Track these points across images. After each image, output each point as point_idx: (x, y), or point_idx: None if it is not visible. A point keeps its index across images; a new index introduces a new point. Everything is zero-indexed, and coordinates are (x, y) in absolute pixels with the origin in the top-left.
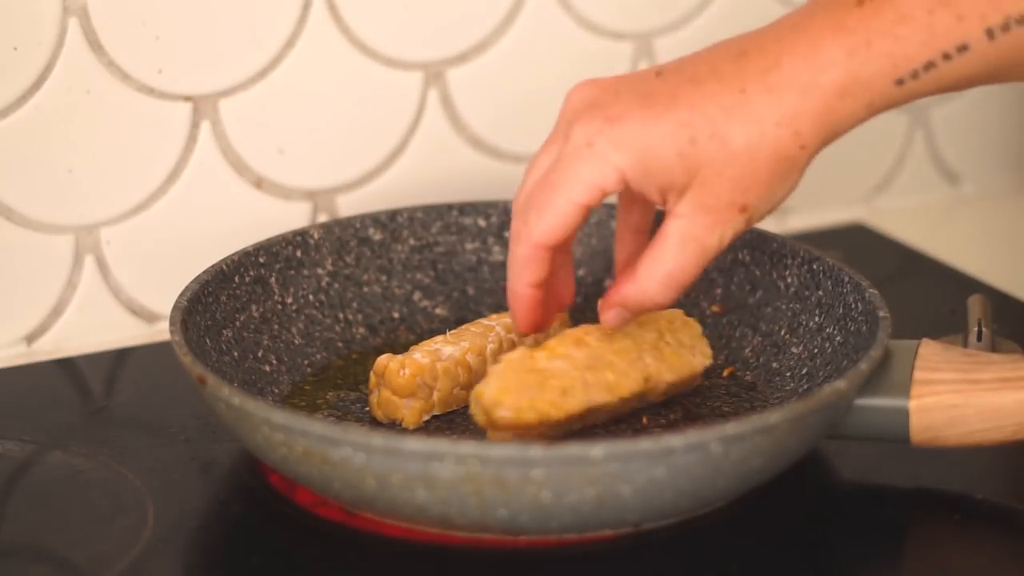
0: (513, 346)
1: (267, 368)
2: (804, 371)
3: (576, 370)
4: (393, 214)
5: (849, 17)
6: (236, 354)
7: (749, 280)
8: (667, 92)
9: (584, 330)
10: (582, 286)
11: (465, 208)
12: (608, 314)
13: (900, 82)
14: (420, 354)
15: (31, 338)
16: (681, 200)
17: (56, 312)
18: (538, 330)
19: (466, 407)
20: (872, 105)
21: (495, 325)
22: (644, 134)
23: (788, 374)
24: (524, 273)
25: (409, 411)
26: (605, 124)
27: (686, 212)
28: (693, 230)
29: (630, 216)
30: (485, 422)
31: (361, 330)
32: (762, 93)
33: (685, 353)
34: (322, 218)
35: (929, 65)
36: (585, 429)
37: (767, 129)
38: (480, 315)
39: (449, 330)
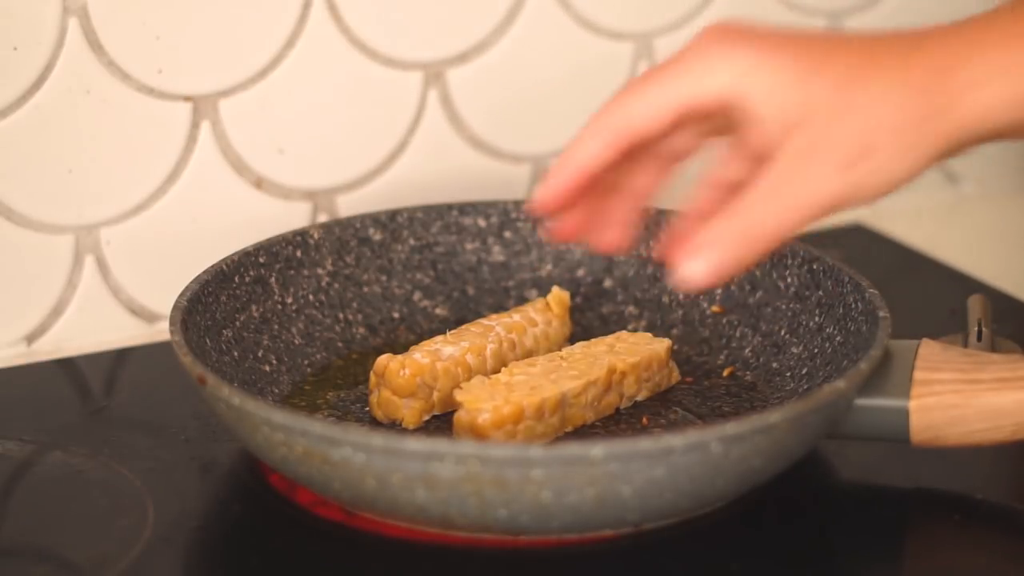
0: (513, 346)
1: (267, 368)
2: (804, 371)
3: (539, 376)
4: (393, 214)
5: None
6: (236, 354)
7: (749, 280)
8: (804, 38)
9: (530, 360)
10: (582, 286)
11: (465, 208)
12: (696, 259)
13: None
14: (420, 354)
15: (31, 338)
16: (792, 139)
17: (56, 312)
18: (554, 209)
19: None
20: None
21: (495, 325)
22: (778, 53)
23: (788, 374)
24: (584, 147)
25: (409, 411)
26: (735, 36)
27: (797, 153)
28: (800, 175)
29: (728, 166)
30: (474, 437)
31: (361, 330)
32: (928, 74)
33: (642, 343)
34: (322, 218)
35: None
36: (583, 429)
37: (911, 96)
38: (480, 315)
39: (449, 330)
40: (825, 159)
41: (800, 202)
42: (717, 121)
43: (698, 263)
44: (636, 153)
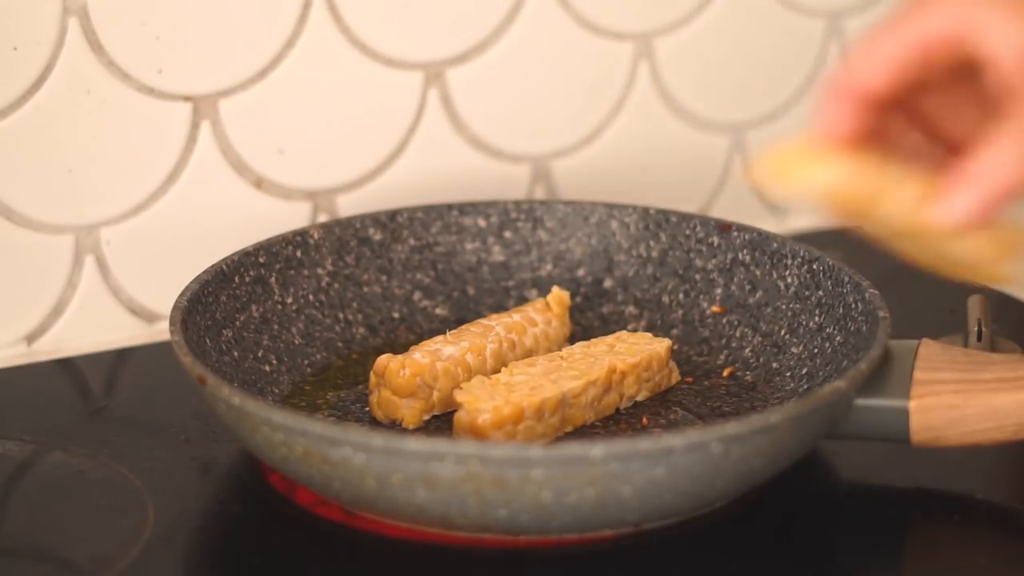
0: (513, 346)
1: (267, 368)
2: (804, 371)
3: (539, 376)
4: (393, 214)
5: None
6: (236, 354)
7: (749, 280)
8: None
9: (530, 360)
10: (581, 286)
11: (465, 208)
12: (957, 199)
13: None
14: (420, 354)
15: (31, 338)
16: None
17: (56, 312)
18: (837, 129)
19: None
20: None
21: (495, 325)
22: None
23: (788, 374)
24: (828, 118)
25: (409, 411)
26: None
27: None
28: None
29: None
30: (474, 438)
31: (361, 330)
32: None
33: (642, 343)
34: (322, 218)
35: None
36: (583, 429)
37: None
38: (480, 315)
39: (449, 330)
40: None
41: None
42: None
43: (961, 200)
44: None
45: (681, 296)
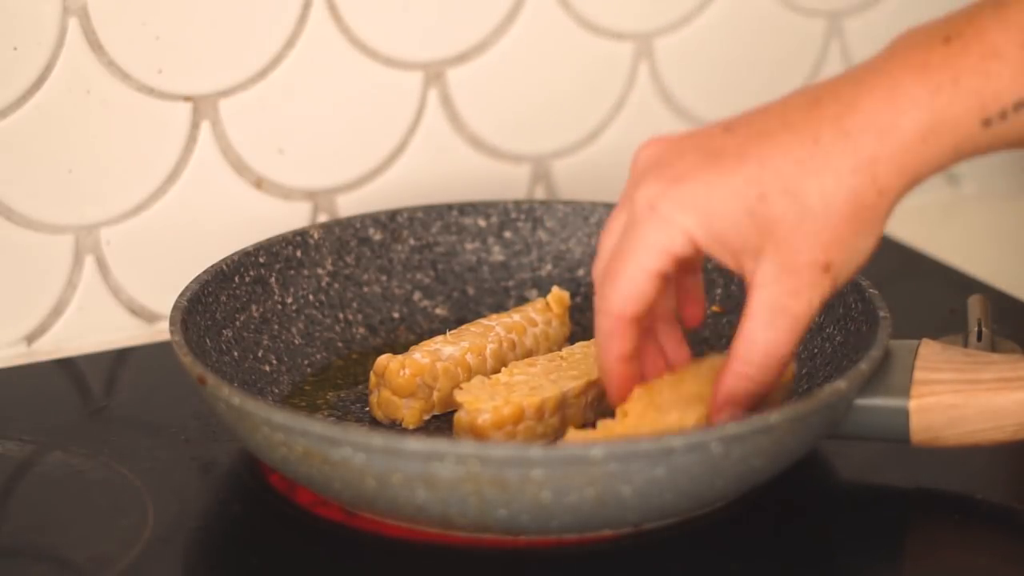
0: (513, 346)
1: (267, 368)
2: (804, 371)
3: (539, 376)
4: (393, 214)
5: (934, 55)
6: (236, 354)
7: None
8: (735, 148)
9: (530, 360)
10: (581, 286)
11: (465, 208)
12: (721, 417)
13: (987, 123)
14: (420, 354)
15: (31, 338)
16: (759, 266)
17: (56, 312)
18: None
19: None
20: (957, 149)
21: (495, 325)
22: (709, 194)
23: None
24: (610, 347)
25: (409, 411)
26: (668, 185)
27: (767, 280)
28: (778, 299)
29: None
30: (474, 438)
31: (361, 330)
32: (837, 140)
33: None
34: (322, 218)
35: (1019, 104)
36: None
37: (843, 178)
38: (480, 315)
39: (449, 330)
40: (797, 280)
41: (777, 338)
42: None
43: (725, 416)
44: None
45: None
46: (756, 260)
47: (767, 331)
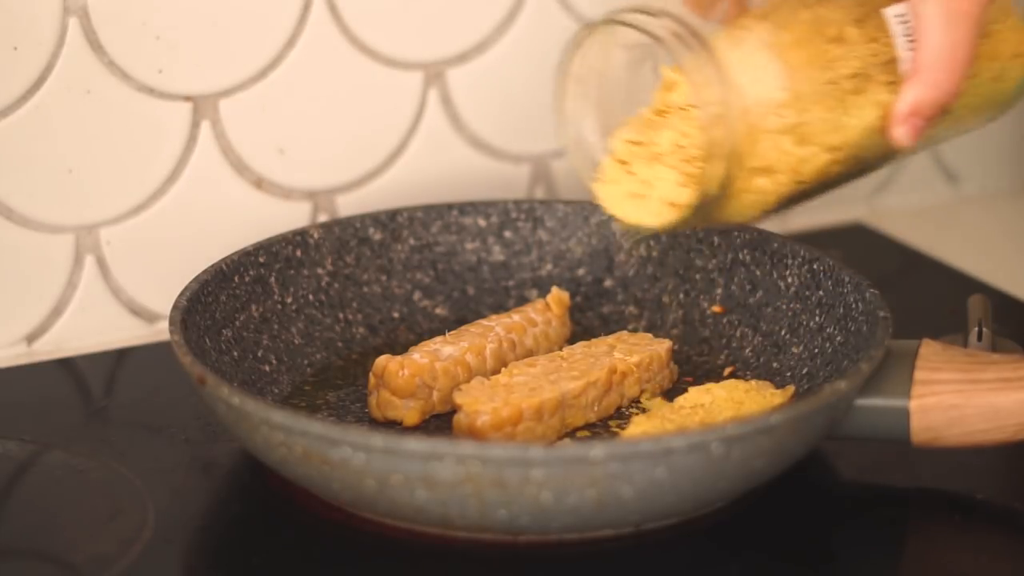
0: (513, 347)
1: (267, 368)
2: (804, 371)
3: (538, 376)
4: (393, 214)
5: None
6: (236, 354)
7: (750, 280)
8: None
9: (530, 360)
10: (581, 286)
11: (465, 208)
12: (900, 130)
13: None
14: (419, 354)
15: (31, 338)
16: None
17: (56, 312)
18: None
19: None
20: None
21: (495, 325)
22: None
23: (788, 374)
24: None
25: (409, 411)
26: None
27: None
28: (950, 2)
29: None
30: (474, 440)
31: (361, 330)
32: None
33: (642, 343)
34: (322, 218)
35: None
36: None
37: None
38: (480, 315)
39: (449, 330)
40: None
41: (959, 37)
42: None
43: (905, 130)
44: None
45: (681, 296)
46: None
47: (948, 34)
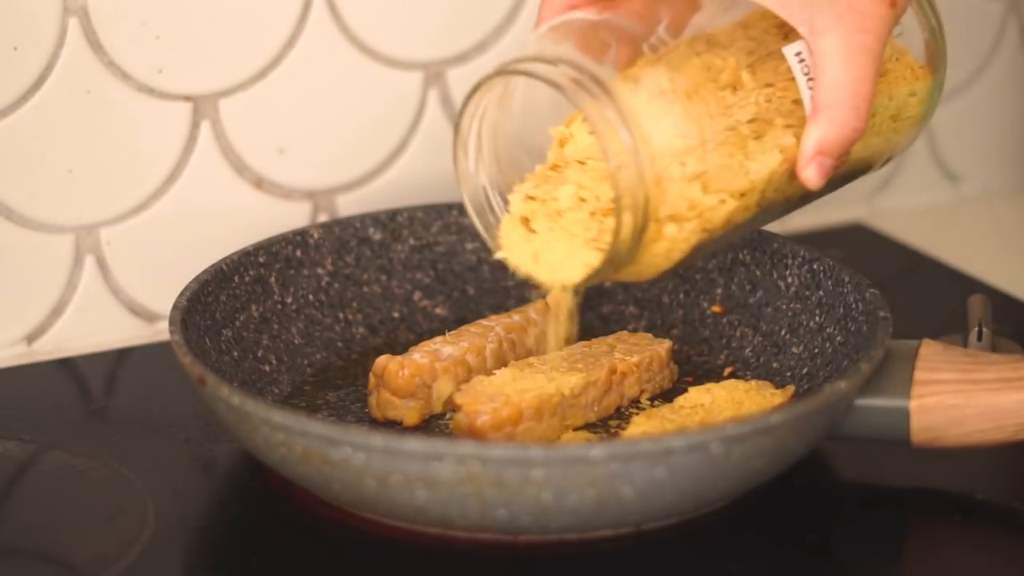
0: (513, 346)
1: (267, 368)
2: (804, 371)
3: (538, 376)
4: (393, 214)
5: None
6: (236, 354)
7: (750, 280)
8: None
9: (530, 360)
10: None
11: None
12: (808, 171)
13: None
14: (419, 354)
15: (31, 338)
16: (815, 13)
17: (56, 312)
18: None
19: None
20: None
21: (495, 325)
22: None
23: (788, 374)
24: None
25: (408, 411)
26: None
27: (830, 23)
28: (851, 38)
29: None
30: (474, 440)
31: (361, 330)
32: None
33: (642, 343)
34: (322, 218)
35: None
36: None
37: None
38: (480, 315)
39: (449, 330)
40: (863, 14)
41: (861, 73)
42: None
43: (813, 170)
44: None
45: (681, 296)
46: (811, 7)
47: (849, 70)
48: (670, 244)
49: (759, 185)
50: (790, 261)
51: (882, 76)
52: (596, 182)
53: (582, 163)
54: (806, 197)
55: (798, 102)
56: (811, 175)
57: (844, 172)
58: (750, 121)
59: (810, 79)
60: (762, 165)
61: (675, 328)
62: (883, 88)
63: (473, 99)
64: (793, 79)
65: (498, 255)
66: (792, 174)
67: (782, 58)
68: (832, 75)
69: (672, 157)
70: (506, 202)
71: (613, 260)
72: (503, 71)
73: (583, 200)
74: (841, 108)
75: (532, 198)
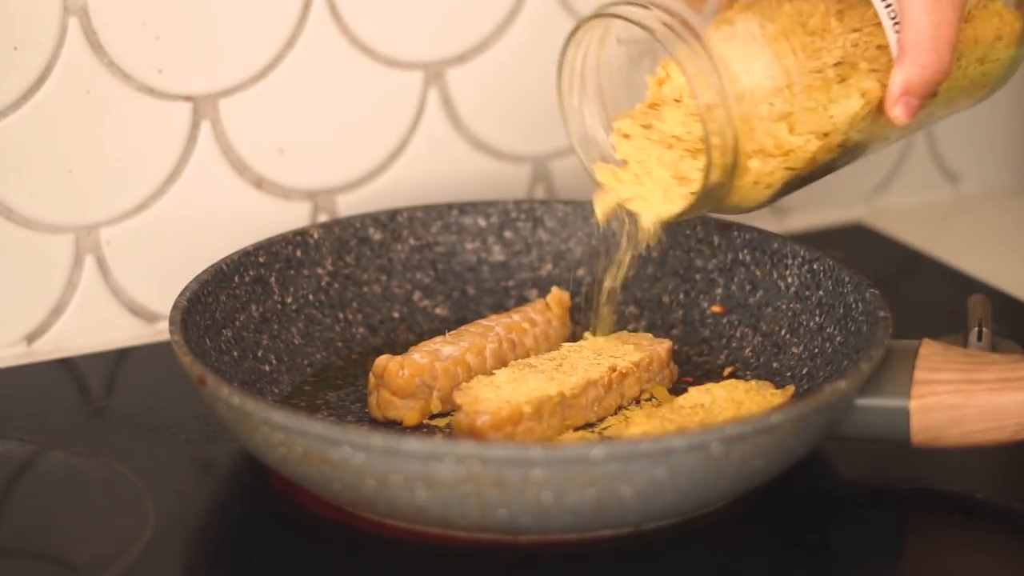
0: (513, 346)
1: (267, 368)
2: (804, 371)
3: (538, 376)
4: (393, 214)
5: None
6: (236, 354)
7: (750, 280)
8: None
9: (530, 360)
10: (581, 286)
11: (465, 208)
12: (896, 110)
13: None
14: (419, 355)
15: (31, 338)
16: None
17: (56, 312)
18: None
19: None
20: None
21: (495, 325)
22: None
23: (788, 374)
24: None
25: (409, 411)
26: None
27: None
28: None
29: None
30: (474, 440)
31: (361, 330)
32: None
33: (642, 343)
34: (322, 218)
35: None
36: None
37: None
38: (480, 315)
39: (449, 330)
40: None
41: (943, 16)
42: None
43: (900, 109)
44: None
45: (681, 296)
46: None
47: (931, 14)
48: (755, 178)
49: (842, 127)
50: (790, 261)
51: (968, 21)
52: (691, 120)
53: (678, 101)
54: (892, 135)
55: (882, 47)
56: (899, 113)
57: (940, 107)
58: (836, 64)
59: (896, 23)
60: (844, 108)
61: (675, 328)
62: (968, 32)
63: (575, 38)
64: (878, 24)
65: (598, 186)
66: (875, 115)
67: (868, 4)
68: (916, 19)
69: (761, 98)
70: (608, 138)
71: (706, 195)
72: (600, 14)
73: (678, 138)
74: (924, 51)
75: (627, 135)
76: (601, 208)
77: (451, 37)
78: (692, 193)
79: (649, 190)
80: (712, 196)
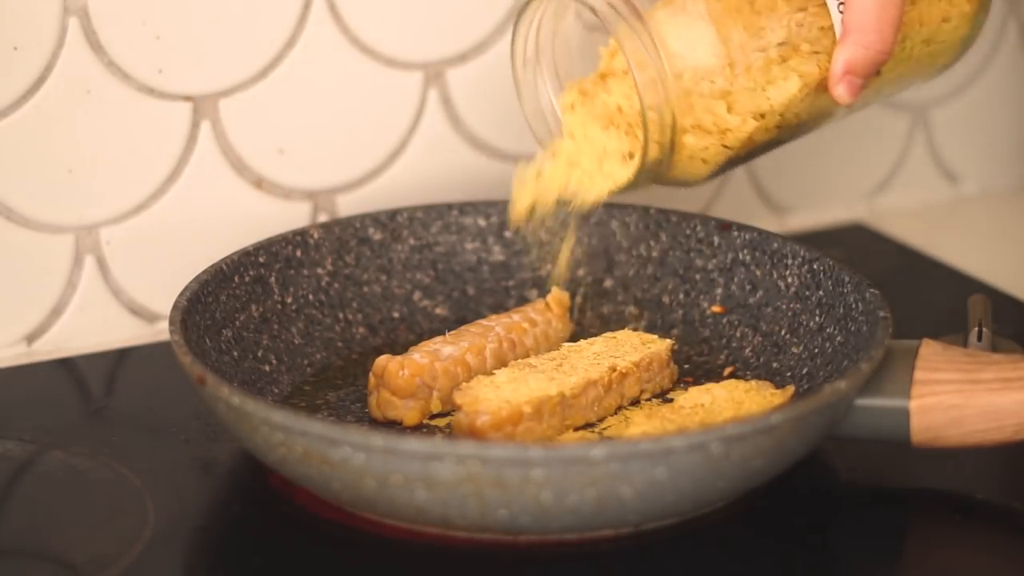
0: (513, 346)
1: (267, 368)
2: (804, 371)
3: (538, 376)
4: (393, 214)
5: None
6: (236, 354)
7: (749, 280)
8: None
9: (530, 360)
10: (581, 286)
11: (465, 208)
12: (839, 89)
13: None
14: (419, 355)
15: (31, 338)
16: None
17: (56, 312)
18: None
19: None
20: None
21: (495, 325)
22: None
23: (788, 374)
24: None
25: (409, 411)
26: None
27: None
28: None
29: None
30: (474, 440)
31: (361, 330)
32: None
33: (643, 343)
34: (322, 218)
35: None
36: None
37: None
38: (480, 315)
39: (449, 330)
40: None
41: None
42: None
43: (843, 88)
44: None
45: (681, 296)
46: None
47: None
48: (691, 152)
49: (778, 108)
50: (790, 261)
51: (913, 3)
52: (634, 93)
53: (627, 73)
54: (847, 109)
55: (824, 29)
56: (841, 92)
57: (887, 85)
58: (779, 44)
59: (841, 3)
60: (782, 90)
61: (675, 328)
62: (913, 14)
63: (528, 11)
64: (823, 6)
65: (541, 161)
66: (815, 96)
67: None
68: (861, 0)
69: (702, 75)
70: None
71: (646, 170)
72: None
73: (620, 111)
74: (867, 31)
75: (572, 106)
76: (521, 203)
77: (451, 37)
78: (632, 167)
79: (589, 164)
80: (652, 171)
